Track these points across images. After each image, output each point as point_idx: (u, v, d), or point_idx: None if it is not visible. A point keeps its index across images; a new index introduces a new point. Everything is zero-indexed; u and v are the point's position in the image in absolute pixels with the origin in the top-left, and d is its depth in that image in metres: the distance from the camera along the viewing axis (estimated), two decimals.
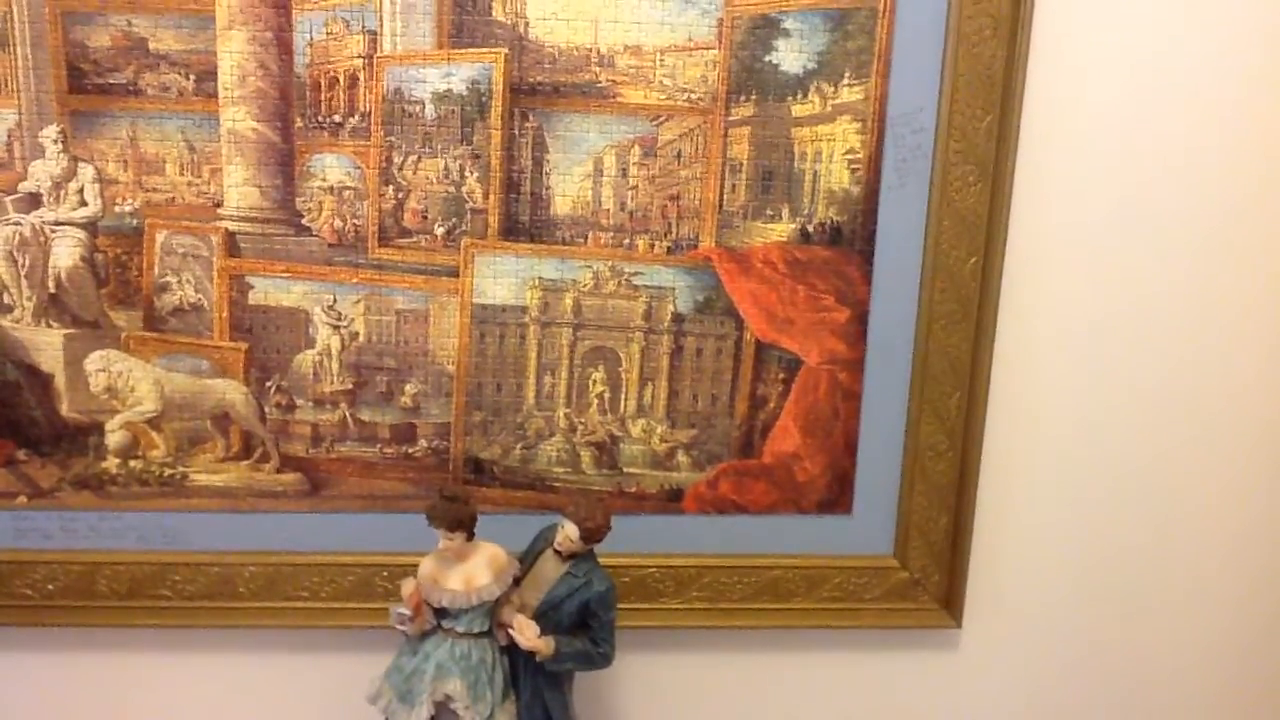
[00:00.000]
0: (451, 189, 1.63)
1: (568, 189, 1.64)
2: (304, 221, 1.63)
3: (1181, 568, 1.88)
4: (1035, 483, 1.82)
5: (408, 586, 1.51)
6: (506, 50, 1.59)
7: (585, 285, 1.68)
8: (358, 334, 1.67)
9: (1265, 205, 1.74)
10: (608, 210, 1.65)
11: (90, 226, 1.62)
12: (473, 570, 1.50)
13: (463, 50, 1.59)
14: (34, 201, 1.60)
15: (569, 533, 1.51)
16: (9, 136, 1.58)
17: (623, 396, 1.72)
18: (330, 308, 1.66)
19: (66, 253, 1.62)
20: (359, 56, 1.59)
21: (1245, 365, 1.80)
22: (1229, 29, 1.66)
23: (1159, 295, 1.76)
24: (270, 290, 1.65)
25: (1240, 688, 1.95)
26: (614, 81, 1.61)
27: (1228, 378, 1.80)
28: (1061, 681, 1.91)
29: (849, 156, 1.65)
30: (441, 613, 1.51)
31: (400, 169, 1.63)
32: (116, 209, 1.62)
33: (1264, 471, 1.85)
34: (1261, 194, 1.73)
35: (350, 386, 1.69)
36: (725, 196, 1.66)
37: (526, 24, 1.58)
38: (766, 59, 1.61)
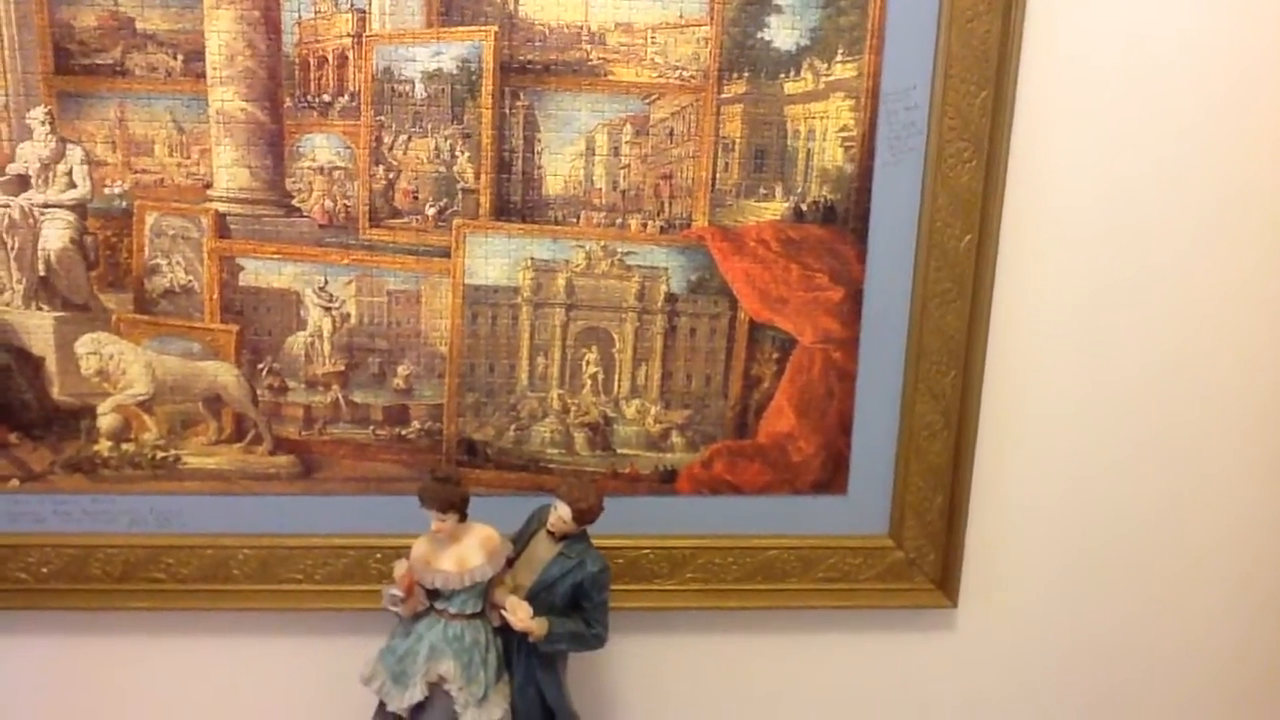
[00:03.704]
0: (442, 169, 1.62)
1: (559, 168, 1.63)
2: (294, 202, 1.62)
3: (1179, 547, 1.88)
4: (1031, 462, 1.81)
5: (400, 568, 1.50)
6: (496, 28, 1.57)
7: (578, 265, 1.67)
8: (349, 315, 1.66)
9: (1264, 183, 1.72)
10: (600, 189, 1.64)
11: (79, 208, 1.61)
12: (465, 552, 1.50)
13: (452, 28, 1.58)
14: (22, 184, 1.59)
15: (561, 514, 1.50)
16: None
17: (616, 377, 1.71)
18: (321, 289, 1.65)
19: (56, 235, 1.62)
20: (348, 35, 1.58)
21: (1243, 343, 1.79)
22: (1227, 3, 1.65)
23: (1155, 272, 1.74)
24: (261, 272, 1.65)
25: (1238, 667, 1.95)
26: (605, 59, 1.59)
27: (1225, 356, 1.79)
28: (1057, 661, 1.91)
29: (842, 134, 1.64)
30: (434, 594, 1.51)
31: (390, 149, 1.61)
32: (106, 191, 1.61)
33: (1264, 450, 1.84)
34: (1260, 171, 1.72)
35: (342, 368, 1.68)
36: (718, 175, 1.64)
37: (516, 1, 1.57)
38: (759, 36, 1.60)
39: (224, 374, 1.67)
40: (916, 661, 1.89)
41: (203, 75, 1.57)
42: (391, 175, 1.62)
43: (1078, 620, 1.90)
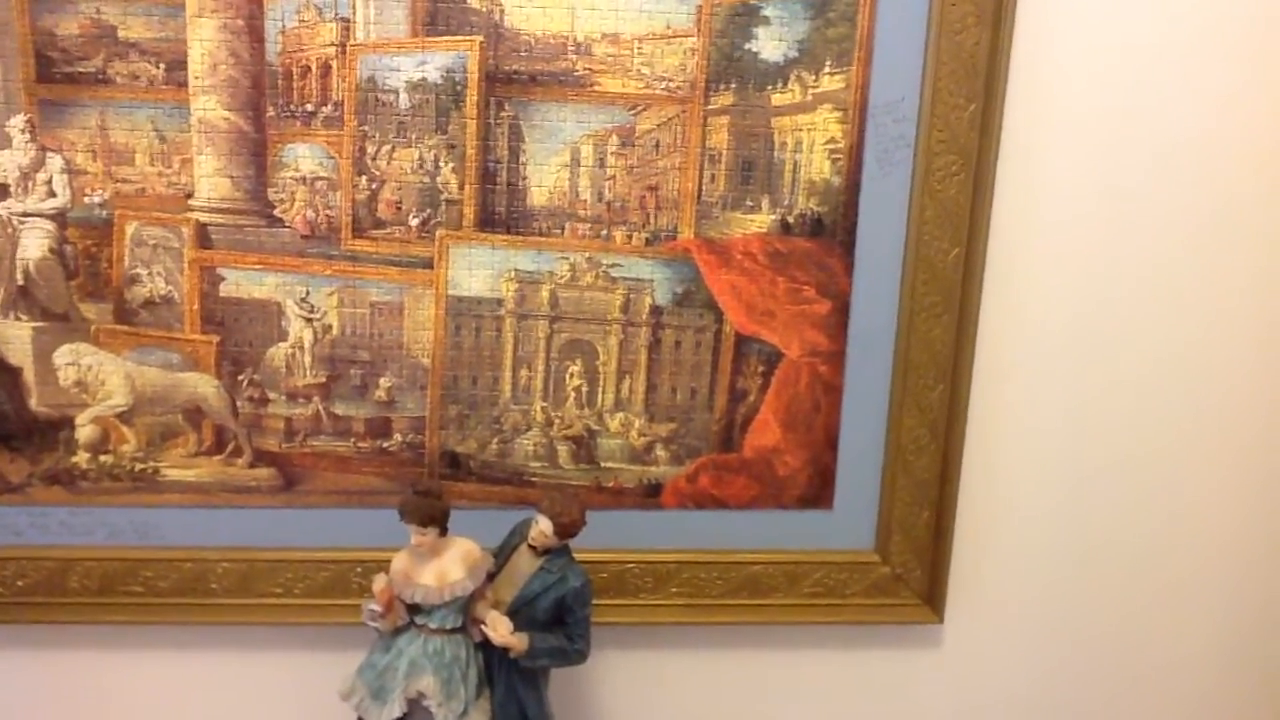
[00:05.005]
0: (426, 179, 1.61)
1: (544, 179, 1.62)
2: (276, 212, 1.61)
3: (1166, 562, 1.87)
4: (1018, 477, 1.80)
5: (379, 583, 1.49)
6: (482, 38, 1.56)
7: (562, 277, 1.65)
8: (331, 327, 1.65)
9: (1251, 196, 1.72)
10: (585, 201, 1.63)
11: (59, 218, 1.59)
12: (446, 566, 1.48)
13: (437, 38, 1.57)
14: (2, 192, 1.58)
15: (543, 528, 1.49)
16: None
17: (600, 390, 1.70)
18: (303, 300, 1.64)
19: (35, 244, 1.60)
20: (332, 44, 1.56)
21: (1231, 357, 1.78)
22: (1214, 17, 1.64)
23: (1143, 286, 1.74)
24: (242, 282, 1.63)
25: (1227, 684, 1.93)
26: (591, 70, 1.58)
27: (1213, 369, 1.79)
28: (1044, 677, 1.90)
29: (830, 146, 1.63)
30: (414, 609, 1.49)
31: (374, 159, 1.60)
32: (86, 200, 1.59)
33: (1251, 463, 1.83)
34: (1247, 184, 1.71)
35: (324, 380, 1.67)
36: (704, 187, 1.63)
37: (502, 11, 1.56)
38: (746, 47, 1.59)
39: (204, 385, 1.66)
40: (903, 677, 1.87)
41: (185, 84, 1.56)
42: (375, 186, 1.61)
43: (1065, 635, 1.89)
